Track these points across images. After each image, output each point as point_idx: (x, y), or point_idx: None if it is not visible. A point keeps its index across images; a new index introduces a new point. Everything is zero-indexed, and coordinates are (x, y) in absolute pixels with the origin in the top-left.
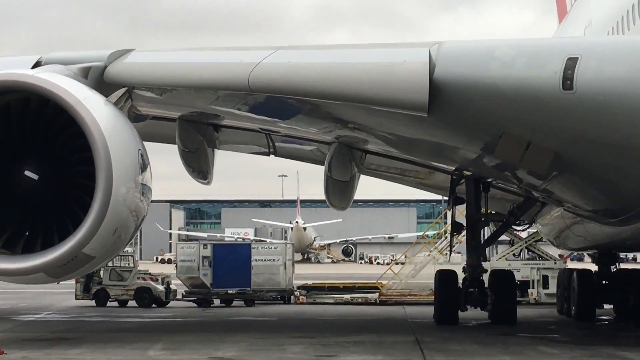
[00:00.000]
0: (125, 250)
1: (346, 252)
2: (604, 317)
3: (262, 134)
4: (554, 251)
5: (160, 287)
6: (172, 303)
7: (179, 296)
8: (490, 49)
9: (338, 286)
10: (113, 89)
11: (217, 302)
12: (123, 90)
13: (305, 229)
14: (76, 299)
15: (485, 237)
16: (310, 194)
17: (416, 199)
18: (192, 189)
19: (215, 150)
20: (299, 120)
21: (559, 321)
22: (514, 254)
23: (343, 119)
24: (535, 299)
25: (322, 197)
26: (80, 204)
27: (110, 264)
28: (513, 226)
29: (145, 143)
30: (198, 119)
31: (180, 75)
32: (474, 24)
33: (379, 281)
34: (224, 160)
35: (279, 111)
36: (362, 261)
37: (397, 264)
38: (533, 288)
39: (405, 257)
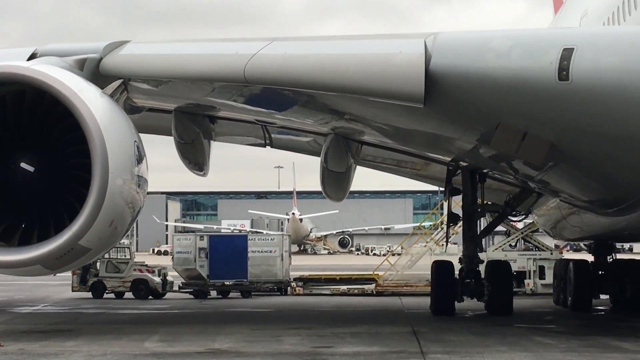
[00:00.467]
0: (121, 242)
1: (342, 244)
2: (600, 308)
3: (258, 126)
4: (550, 242)
5: (157, 279)
6: (168, 295)
7: (175, 288)
8: (486, 40)
9: (335, 278)
10: (109, 81)
11: (213, 293)
12: (119, 82)
13: (301, 220)
14: (73, 290)
15: (482, 228)
16: (307, 185)
17: (412, 190)
18: (189, 181)
19: (212, 141)
20: (295, 112)
21: (555, 312)
22: (510, 245)
23: (339, 110)
24: (531, 289)
25: (319, 188)
26: (76, 196)
27: (106, 255)
28: (509, 217)
29: (141, 135)
30: (194, 111)
31: (176, 67)
32: (467, 15)
33: (375, 272)
34: (220, 151)
35: (275, 102)
36: (359, 252)
37: (393, 255)
38: (529, 279)
39: (402, 248)
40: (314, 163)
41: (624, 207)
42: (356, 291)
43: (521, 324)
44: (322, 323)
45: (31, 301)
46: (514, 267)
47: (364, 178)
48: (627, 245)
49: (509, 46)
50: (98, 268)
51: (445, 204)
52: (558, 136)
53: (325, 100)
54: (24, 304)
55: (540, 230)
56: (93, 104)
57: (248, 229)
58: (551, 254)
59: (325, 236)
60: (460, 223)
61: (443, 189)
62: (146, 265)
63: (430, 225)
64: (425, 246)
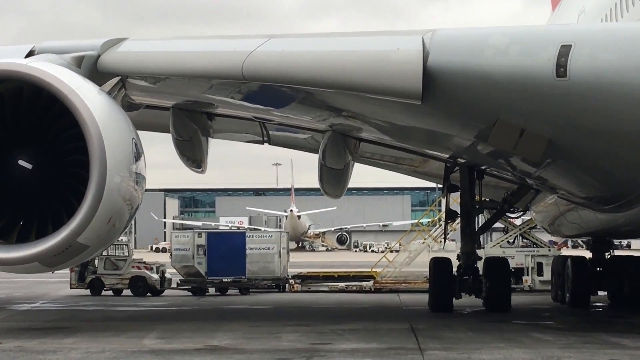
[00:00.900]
0: (119, 239)
1: (341, 240)
2: (598, 304)
3: (256, 123)
4: (548, 238)
5: (155, 276)
6: (167, 292)
7: (173, 285)
8: (484, 37)
9: (333, 275)
10: (107, 78)
11: (212, 290)
12: (117, 79)
13: (299, 217)
14: (71, 288)
15: (480, 225)
16: (305, 182)
17: (410, 187)
18: (187, 178)
19: (209, 138)
20: (293, 109)
21: (553, 308)
22: (508, 241)
23: (337, 107)
24: (529, 286)
25: (317, 185)
26: (74, 193)
27: (104, 253)
28: (507, 213)
29: (139, 132)
30: (192, 108)
31: (173, 64)
32: (463, 12)
33: (373, 269)
34: (218, 148)
35: (273, 99)
36: (357, 249)
37: (391, 251)
38: (527, 275)
39: (400, 244)
40: (312, 160)
41: (622, 203)
42: (354, 288)
43: (519, 320)
44: (321, 320)
45: (29, 298)
46: (512, 263)
47: (362, 174)
48: (625, 242)
49: (506, 43)
50: (96, 265)
51: (443, 201)
52: (556, 133)
53: (323, 97)
54: (22, 301)
55: (538, 227)
56: (91, 101)
57: (246, 225)
58: (549, 250)
59: (324, 233)
60: (458, 220)
61: (441, 185)
62: (144, 263)
63: (429, 222)
64: (423, 243)
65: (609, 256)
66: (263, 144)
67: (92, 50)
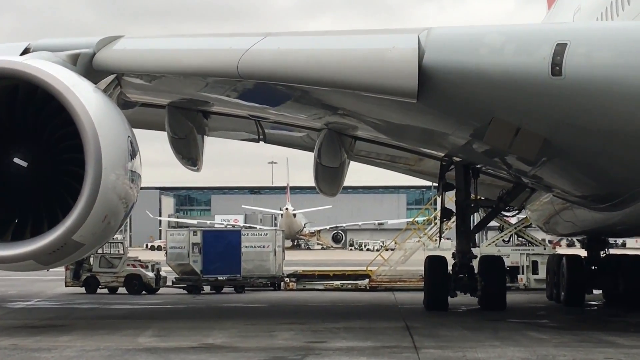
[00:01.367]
0: (115, 237)
1: (336, 239)
2: (593, 303)
3: (252, 121)
4: (543, 237)
5: (150, 274)
6: (162, 290)
7: (169, 283)
8: (480, 35)
9: (328, 274)
10: (102, 76)
11: (207, 288)
12: (112, 77)
13: (295, 215)
14: (66, 286)
15: (475, 223)
16: (300, 180)
17: (406, 185)
18: (182, 176)
19: (205, 137)
20: (289, 107)
21: (548, 307)
22: (503, 240)
23: (332, 105)
24: (524, 284)
25: (312, 183)
26: (69, 191)
27: (100, 251)
28: (502, 212)
29: (135, 130)
30: (187, 106)
31: (169, 62)
32: (456, 11)
33: (368, 268)
34: (213, 147)
35: (269, 98)
36: (352, 247)
37: (387, 250)
38: (522, 274)
39: (395, 243)
40: (308, 158)
41: (617, 202)
42: (350, 286)
43: (514, 319)
44: (316, 318)
45: (24, 296)
46: (507, 262)
47: (358, 173)
48: (620, 241)
49: (502, 41)
50: (91, 263)
51: (439, 199)
52: (551, 131)
53: (319, 96)
54: (17, 299)
55: (533, 226)
56: (86, 99)
57: (241, 224)
58: (544, 249)
59: (319, 231)
60: (454, 218)
61: (436, 184)
62: (140, 261)
63: (424, 220)
64: (418, 241)
65: (604, 255)
66: (259, 142)
67: (88, 48)
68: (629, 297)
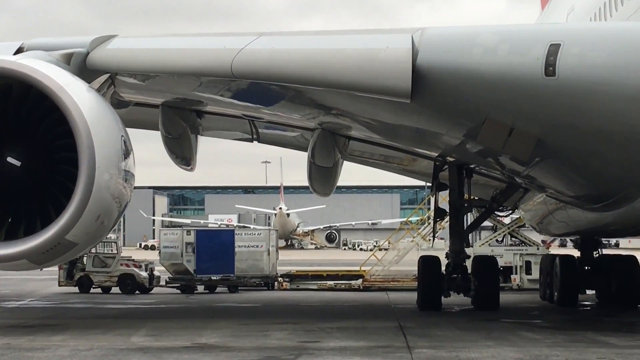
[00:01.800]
0: (108, 236)
1: (330, 238)
2: (587, 303)
3: (246, 120)
4: (537, 237)
5: (144, 274)
6: (155, 289)
7: (162, 282)
8: (473, 35)
9: (321, 274)
10: (96, 75)
11: (200, 288)
12: (106, 76)
13: (288, 215)
14: (59, 285)
15: (469, 223)
16: (294, 180)
17: (399, 185)
18: (176, 176)
19: (199, 136)
20: (282, 107)
21: (541, 307)
22: (497, 240)
23: (326, 105)
24: (518, 284)
25: (306, 183)
26: (63, 191)
27: (93, 250)
28: (496, 212)
29: (128, 129)
30: (181, 105)
31: (163, 62)
32: (448, 12)
33: (362, 268)
34: (207, 146)
35: (262, 97)
36: (346, 247)
37: (380, 249)
38: (516, 274)
39: (389, 243)
40: (302, 158)
41: (610, 202)
42: (343, 286)
43: (507, 319)
44: (309, 318)
45: (17, 296)
46: (501, 262)
47: (351, 173)
48: (613, 241)
49: (496, 42)
50: (85, 263)
51: (432, 199)
52: (544, 132)
53: (313, 95)
54: (10, 299)
55: (526, 226)
56: (80, 99)
57: (235, 223)
58: (538, 249)
59: (313, 231)
60: (447, 218)
61: (430, 184)
62: (133, 260)
63: (417, 220)
64: (412, 241)
65: (597, 255)
66: (252, 141)
67: (81, 48)
68: (622, 297)
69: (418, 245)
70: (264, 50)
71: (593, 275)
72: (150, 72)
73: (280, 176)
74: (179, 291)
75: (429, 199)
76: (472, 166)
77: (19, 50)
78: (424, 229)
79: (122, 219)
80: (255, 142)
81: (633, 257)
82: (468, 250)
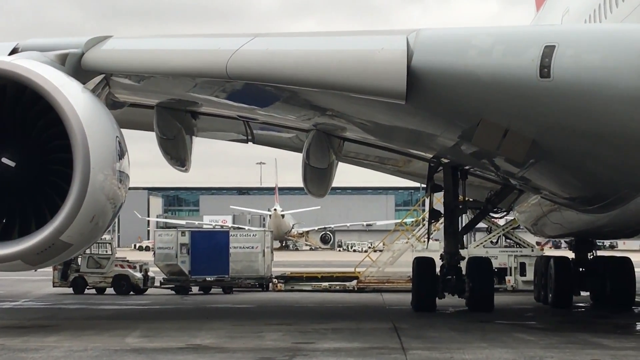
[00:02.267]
0: (103, 237)
1: (324, 240)
2: (581, 304)
3: (240, 121)
4: (531, 238)
5: (138, 275)
6: (150, 290)
7: (156, 283)
8: (468, 37)
9: (316, 276)
10: (90, 76)
11: (195, 289)
12: (101, 77)
13: (283, 216)
14: (54, 286)
15: (463, 225)
16: (289, 181)
17: (394, 187)
18: (170, 177)
19: (193, 137)
20: (277, 108)
21: (536, 308)
22: (491, 242)
23: (321, 106)
24: (512, 286)
25: (301, 184)
26: (57, 191)
27: (88, 251)
28: (491, 213)
29: (123, 130)
30: (176, 106)
31: (158, 62)
32: (441, 14)
33: (357, 269)
34: (202, 147)
35: (257, 98)
36: (341, 248)
37: (375, 251)
38: (510, 275)
39: (384, 244)
40: (296, 159)
41: (605, 204)
42: (337, 287)
43: (502, 320)
44: (304, 319)
45: (12, 296)
46: (495, 263)
47: (346, 174)
48: (607, 242)
49: (491, 43)
50: (79, 263)
51: (427, 201)
52: (539, 133)
53: (308, 96)
54: (5, 300)
55: (521, 227)
56: (75, 99)
57: (230, 224)
58: (532, 250)
59: (307, 232)
60: (442, 219)
61: (425, 185)
62: (127, 261)
63: (412, 221)
64: (406, 242)
65: (592, 257)
66: (247, 142)
67: (76, 48)
68: (616, 298)
69: (413, 246)
70: (258, 51)
71: (587, 277)
72: (145, 73)
73: (275, 177)
74: (173, 292)
75: (424, 200)
76: (466, 167)
77: (14, 51)
78: (419, 230)
79: (116, 220)
80: (250, 143)
81: (627, 259)
82: (463, 252)
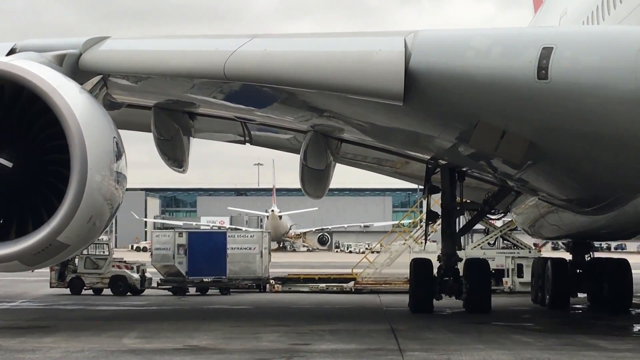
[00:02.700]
0: (100, 238)
1: (322, 241)
2: (578, 306)
3: (238, 122)
4: (529, 240)
5: (136, 275)
6: (147, 291)
7: (154, 284)
8: (466, 38)
9: (314, 277)
10: (88, 77)
11: (192, 290)
12: (98, 77)
13: (281, 217)
14: (51, 287)
15: (461, 226)
16: (286, 182)
17: (392, 188)
18: (168, 177)
19: (191, 138)
20: (275, 109)
21: (533, 310)
22: (489, 243)
23: (319, 107)
24: (509, 287)
25: (298, 185)
26: (55, 192)
27: (85, 252)
28: (488, 215)
29: (121, 131)
30: (174, 107)
31: (155, 63)
32: (437, 15)
33: (354, 271)
34: (199, 148)
35: (255, 99)
36: (338, 250)
37: (372, 252)
38: (508, 277)
39: (381, 245)
40: (294, 160)
41: (602, 205)
42: (335, 288)
43: (499, 322)
44: (301, 320)
45: (9, 297)
46: (493, 265)
47: (344, 175)
48: (605, 244)
49: (488, 45)
50: (76, 264)
51: (425, 202)
52: (537, 135)
53: (305, 98)
54: (2, 300)
55: (518, 229)
56: (72, 100)
57: (227, 225)
58: (529, 252)
59: (305, 233)
60: (439, 221)
61: (422, 187)
62: (125, 262)
63: (410, 223)
64: (404, 244)
65: (589, 258)
66: (245, 144)
67: (74, 49)
68: (614, 300)
69: (410, 247)
70: (256, 52)
71: (585, 279)
72: (143, 73)
73: (272, 178)
74: (170, 293)
75: (421, 201)
76: (464, 169)
77: (12, 51)
78: (416, 231)
79: (114, 221)
80: (247, 144)
81: (625, 261)
82: (460, 253)
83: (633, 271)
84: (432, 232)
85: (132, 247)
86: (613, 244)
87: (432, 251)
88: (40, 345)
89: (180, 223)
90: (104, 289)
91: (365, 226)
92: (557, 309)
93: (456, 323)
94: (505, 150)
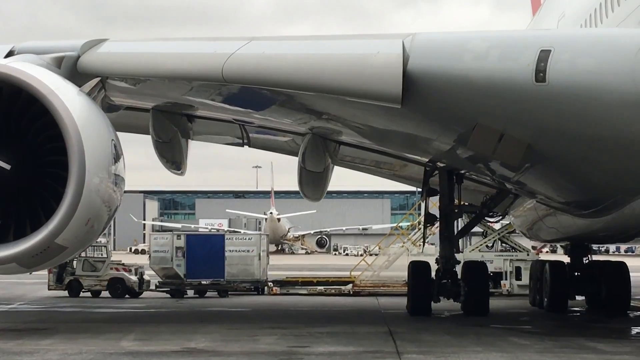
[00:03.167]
0: (98, 240)
1: (320, 243)
2: (576, 309)
3: (236, 125)
4: (527, 243)
5: (134, 278)
6: (145, 294)
7: (152, 287)
8: (464, 41)
9: (312, 280)
10: (86, 79)
11: (190, 292)
12: (96, 80)
13: (279, 220)
14: (49, 289)
15: (459, 229)
16: (285, 185)
17: (390, 191)
18: (166, 180)
19: (189, 140)
20: (273, 111)
21: (531, 312)
22: (487, 246)
23: (317, 110)
24: (507, 290)
25: (296, 188)
26: (53, 194)
27: (83, 254)
28: (486, 218)
29: (119, 133)
30: (172, 110)
31: (153, 66)
32: (433, 18)
33: (352, 273)
34: (197, 150)
35: (253, 102)
36: (336, 252)
37: (370, 255)
38: (506, 279)
39: (379, 248)
40: (292, 163)
41: (600, 208)
42: (333, 291)
43: (497, 324)
44: (299, 323)
45: (7, 299)
46: (491, 267)
47: (342, 178)
48: (603, 247)
49: (486, 47)
50: (74, 266)
51: (423, 205)
52: (535, 137)
53: (303, 100)
54: None
55: (516, 232)
56: (70, 102)
57: (226, 228)
58: (528, 255)
59: (303, 236)
60: (438, 224)
61: (420, 189)
62: (123, 264)
63: (408, 225)
64: (402, 246)
65: (587, 261)
66: (243, 146)
67: (72, 51)
68: (612, 303)
69: (408, 250)
70: (254, 54)
71: (583, 281)
72: (141, 76)
73: (271, 181)
74: (168, 295)
75: (420, 204)
76: (462, 172)
77: (10, 54)
78: (415, 234)
79: (112, 223)
80: (246, 147)
81: (623, 263)
82: (458, 256)
83: (631, 274)
84: (430, 234)
85: (130, 249)
86: (623, 247)
87: (431, 254)
88: (38, 348)
89: (178, 225)
90: (102, 292)
91: (363, 229)
92: (555, 312)
93: (454, 326)
94: (503, 152)
